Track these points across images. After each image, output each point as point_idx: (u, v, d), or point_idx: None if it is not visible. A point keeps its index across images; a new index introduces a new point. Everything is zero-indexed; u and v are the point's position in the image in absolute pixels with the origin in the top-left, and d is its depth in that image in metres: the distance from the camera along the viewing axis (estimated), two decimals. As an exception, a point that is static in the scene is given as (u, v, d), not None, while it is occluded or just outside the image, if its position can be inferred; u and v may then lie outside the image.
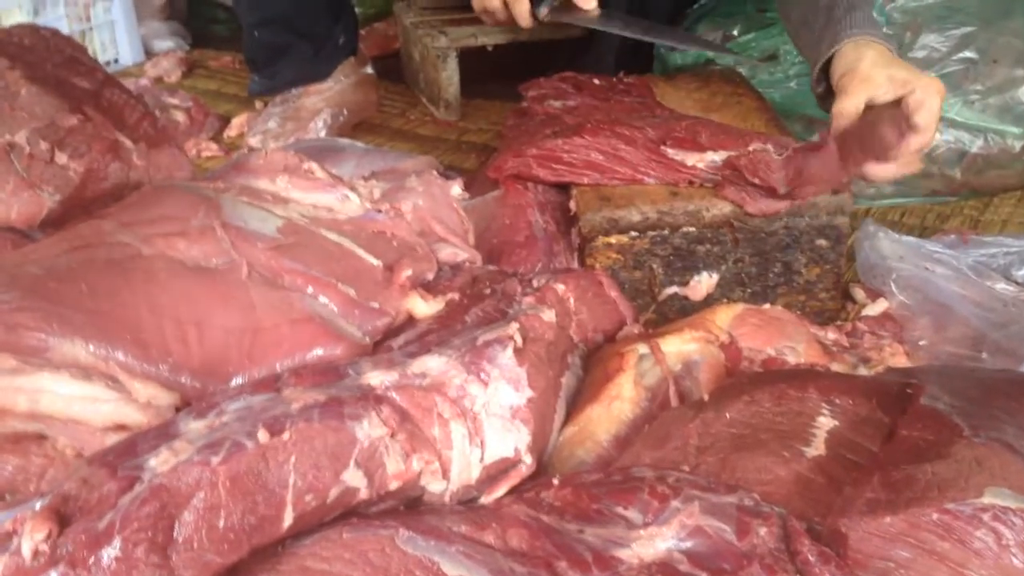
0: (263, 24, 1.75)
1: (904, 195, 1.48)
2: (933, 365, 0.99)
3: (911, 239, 1.26)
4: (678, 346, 0.90)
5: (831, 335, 1.09)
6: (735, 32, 1.64)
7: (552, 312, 0.80)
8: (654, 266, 1.18)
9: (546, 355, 0.76)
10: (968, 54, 1.46)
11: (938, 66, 1.45)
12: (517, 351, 0.72)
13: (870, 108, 1.12)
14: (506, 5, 1.33)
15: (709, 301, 1.19)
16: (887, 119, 1.09)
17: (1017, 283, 1.21)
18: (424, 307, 0.82)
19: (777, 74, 1.56)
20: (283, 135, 1.70)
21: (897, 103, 1.09)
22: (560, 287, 0.88)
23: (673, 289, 1.19)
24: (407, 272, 0.83)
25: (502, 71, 1.87)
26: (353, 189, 0.93)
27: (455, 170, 1.64)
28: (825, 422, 0.76)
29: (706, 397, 0.82)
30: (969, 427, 0.70)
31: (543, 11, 1.34)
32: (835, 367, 0.95)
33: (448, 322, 0.80)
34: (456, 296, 0.85)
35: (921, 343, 1.11)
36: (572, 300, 0.90)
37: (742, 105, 1.43)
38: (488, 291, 0.86)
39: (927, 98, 1.07)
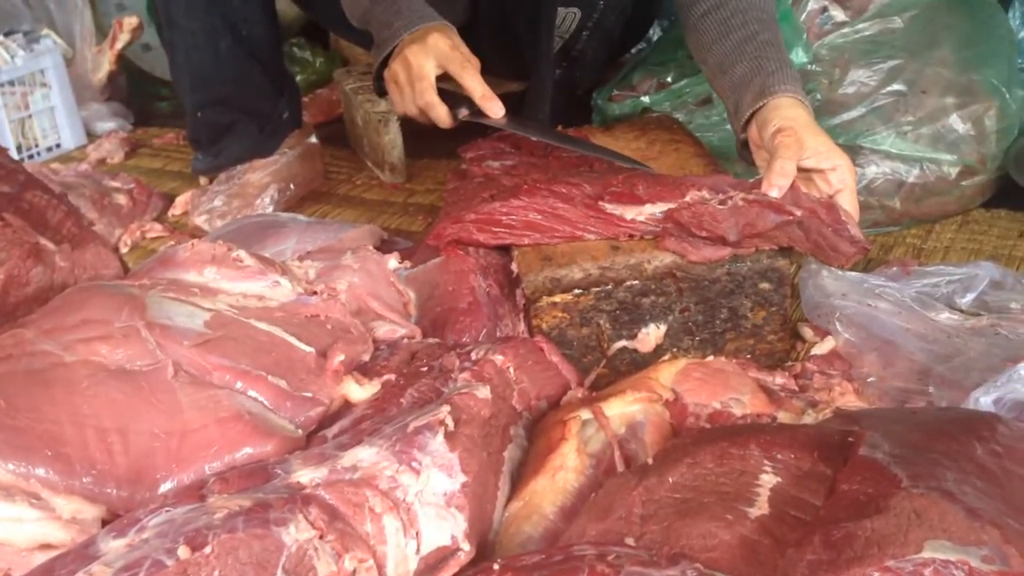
0: (207, 105, 1.74)
1: (847, 228, 1.49)
2: (876, 409, 0.99)
3: (854, 274, 1.26)
4: (621, 408, 0.89)
5: (779, 379, 1.09)
6: (669, 79, 1.66)
7: (487, 388, 0.79)
8: (601, 322, 1.17)
9: (481, 435, 0.75)
10: (897, 86, 1.48)
11: (868, 100, 1.48)
12: (449, 435, 0.71)
13: None
14: (423, 112, 1.37)
15: (659, 352, 1.19)
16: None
17: (961, 311, 1.22)
18: (359, 391, 0.81)
19: (713, 118, 1.57)
20: (229, 213, 1.69)
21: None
22: (499, 358, 0.88)
23: (622, 343, 1.19)
24: (340, 357, 0.82)
25: (447, 130, 1.88)
26: (285, 273, 0.93)
27: (402, 234, 1.64)
28: (768, 479, 0.75)
29: (650, 460, 0.81)
30: (908, 477, 0.69)
31: (462, 112, 1.38)
32: (782, 415, 0.95)
33: (383, 405, 0.79)
34: (392, 377, 0.84)
35: (870, 380, 1.11)
36: (512, 370, 0.89)
37: (680, 152, 1.44)
38: (425, 368, 0.85)
39: (847, 178, 1.14)
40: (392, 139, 1.84)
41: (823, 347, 1.19)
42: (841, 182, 1.14)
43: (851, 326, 1.16)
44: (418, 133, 1.91)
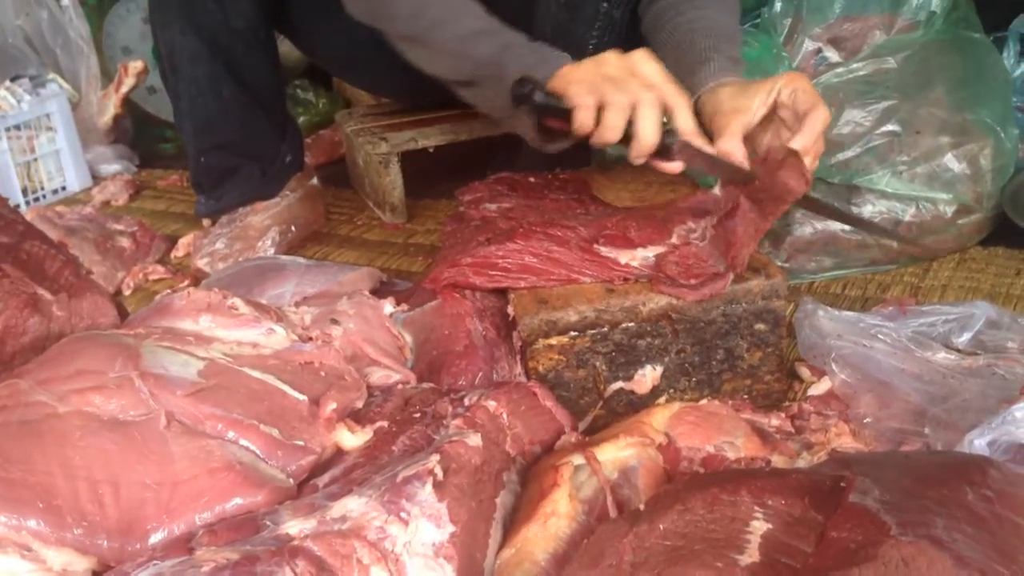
0: (210, 150, 1.75)
1: (843, 267, 1.50)
2: (869, 453, 0.99)
3: (850, 314, 1.27)
4: (614, 453, 0.89)
5: (774, 421, 1.09)
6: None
7: (478, 436, 0.80)
8: (597, 364, 1.17)
9: (471, 483, 0.75)
10: (892, 127, 1.49)
11: (864, 140, 1.49)
12: (437, 485, 0.71)
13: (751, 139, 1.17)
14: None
15: (656, 393, 1.19)
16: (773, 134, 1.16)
17: (958, 351, 1.22)
18: (351, 439, 0.82)
19: (710, 157, 1.58)
20: (231, 256, 1.71)
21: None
22: (491, 404, 0.88)
23: (619, 385, 1.19)
24: (332, 406, 0.83)
25: (448, 169, 1.90)
26: (280, 320, 0.93)
27: (402, 275, 1.65)
28: (758, 526, 0.75)
29: (642, 506, 0.81)
30: (897, 524, 0.69)
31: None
32: (776, 459, 0.95)
33: (375, 453, 0.80)
34: (385, 424, 0.84)
35: (866, 421, 1.11)
36: (505, 415, 0.89)
37: (676, 193, 1.45)
38: (418, 415, 0.86)
39: (795, 83, 1.13)
40: (393, 180, 1.86)
41: (820, 387, 1.19)
42: (788, 95, 1.14)
43: (847, 367, 1.16)
44: (419, 174, 1.93)
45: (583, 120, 1.14)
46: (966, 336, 1.23)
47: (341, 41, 1.78)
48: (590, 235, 1.23)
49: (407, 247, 1.79)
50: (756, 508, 0.76)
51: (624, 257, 1.20)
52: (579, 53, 1.22)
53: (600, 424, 1.18)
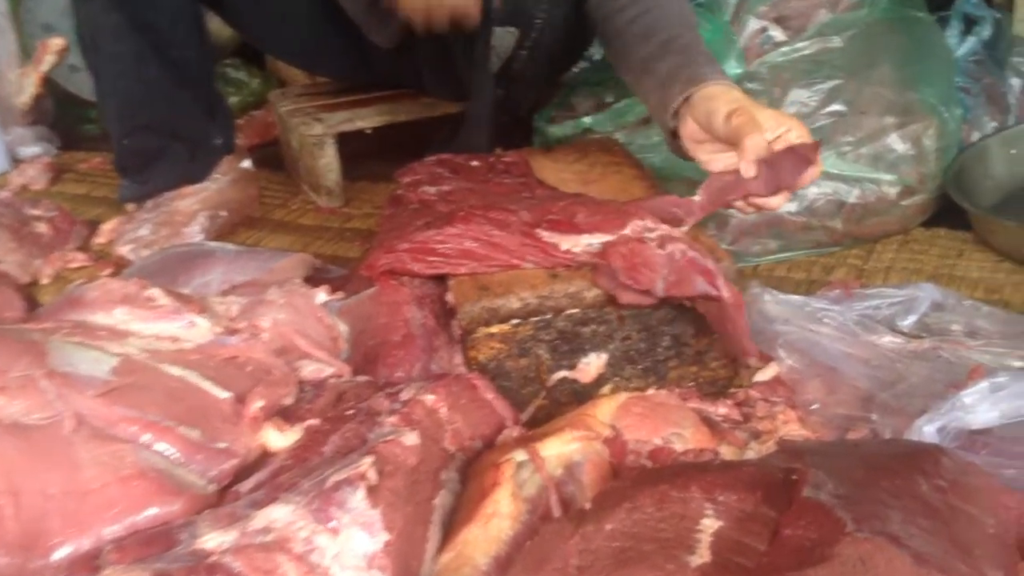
0: (134, 132, 1.67)
1: (788, 249, 1.48)
2: (819, 443, 0.97)
3: (796, 298, 1.24)
4: (558, 448, 0.85)
5: (721, 410, 1.06)
6: (609, 99, 1.64)
7: (415, 434, 0.75)
8: (540, 352, 1.14)
9: (407, 485, 0.71)
10: (837, 107, 1.47)
11: (808, 120, 1.46)
12: (370, 490, 0.66)
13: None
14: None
15: (600, 382, 1.16)
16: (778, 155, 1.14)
17: (903, 334, 1.20)
18: (279, 439, 0.77)
19: (654, 138, 1.55)
20: (156, 242, 1.63)
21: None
22: (429, 398, 0.83)
23: (562, 374, 1.15)
24: (259, 403, 0.77)
25: (386, 151, 1.84)
26: (203, 311, 0.87)
27: (339, 260, 1.59)
28: (709, 524, 0.72)
29: (588, 505, 0.77)
30: (853, 520, 0.66)
31: None
32: (724, 449, 0.92)
33: (304, 454, 0.75)
34: (316, 422, 0.79)
35: (813, 407, 1.08)
36: (444, 410, 0.85)
37: (622, 174, 1.42)
38: (351, 411, 0.81)
39: (801, 133, 1.14)
40: (328, 162, 1.79)
41: (766, 373, 1.17)
42: (799, 138, 1.14)
43: (794, 352, 1.14)
44: (356, 156, 1.87)
45: None
46: (911, 319, 1.22)
47: (274, 17, 1.71)
48: (533, 219, 1.19)
49: (343, 232, 1.73)
50: (707, 504, 0.73)
51: (567, 243, 1.16)
52: None
53: (543, 415, 1.15)
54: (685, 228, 1.17)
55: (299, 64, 2.13)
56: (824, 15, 1.54)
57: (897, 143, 1.47)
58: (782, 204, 1.19)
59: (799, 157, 1.13)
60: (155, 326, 0.84)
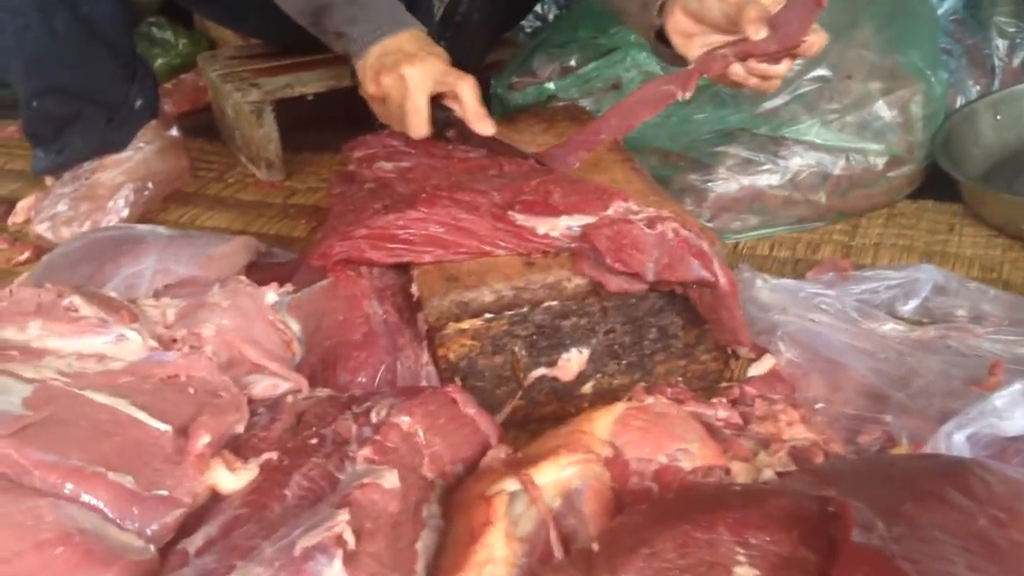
0: (44, 93, 1.50)
1: (769, 225, 1.39)
2: (845, 461, 0.87)
3: (789, 282, 1.15)
4: (554, 474, 0.74)
5: (721, 413, 0.96)
6: (572, 63, 1.52)
7: (394, 474, 0.63)
8: (516, 349, 1.03)
9: (389, 542, 0.59)
10: (821, 71, 1.37)
11: (792, 86, 1.37)
12: (349, 557, 0.55)
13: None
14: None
15: (582, 379, 1.06)
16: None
17: (904, 320, 1.12)
18: (230, 480, 0.64)
19: (624, 105, 1.43)
20: (76, 219, 1.48)
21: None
22: (405, 420, 0.72)
23: (540, 371, 1.05)
24: (205, 439, 0.65)
25: (330, 119, 1.69)
26: (135, 319, 0.74)
27: (283, 241, 1.46)
28: (744, 573, 0.62)
29: (596, 546, 0.67)
30: (917, 573, 0.57)
31: (451, 133, 1.25)
32: (735, 467, 0.82)
33: (263, 500, 0.62)
34: (274, 456, 0.67)
35: (817, 406, 0.99)
36: (421, 432, 0.73)
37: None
38: (315, 440, 0.69)
39: None
40: (267, 132, 1.64)
41: (761, 366, 1.07)
42: None
43: (794, 345, 1.04)
44: (297, 124, 1.72)
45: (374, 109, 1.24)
46: (912, 303, 1.14)
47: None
48: (504, 200, 1.08)
49: (286, 208, 1.59)
50: (738, 548, 0.63)
51: (543, 227, 1.05)
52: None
53: (520, 417, 1.05)
54: (687, 95, 1.12)
55: (229, 24, 1.96)
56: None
57: (884, 110, 1.38)
58: (786, 71, 1.12)
59: (805, 7, 1.07)
60: (77, 342, 0.70)
